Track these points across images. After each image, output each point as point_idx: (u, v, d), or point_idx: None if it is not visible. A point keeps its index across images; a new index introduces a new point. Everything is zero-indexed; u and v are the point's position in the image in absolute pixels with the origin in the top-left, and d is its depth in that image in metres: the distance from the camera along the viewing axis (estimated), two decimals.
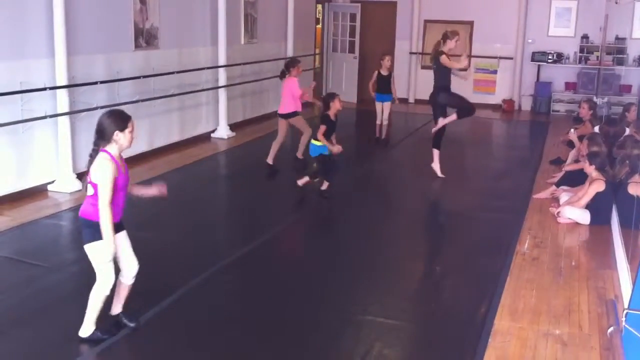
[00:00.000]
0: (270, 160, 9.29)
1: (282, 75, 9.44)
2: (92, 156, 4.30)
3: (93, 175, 4.25)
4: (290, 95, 9.24)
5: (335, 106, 7.91)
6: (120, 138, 4.30)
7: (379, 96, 11.33)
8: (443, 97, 8.81)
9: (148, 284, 5.47)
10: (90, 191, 4.31)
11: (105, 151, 4.30)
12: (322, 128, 7.82)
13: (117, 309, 4.68)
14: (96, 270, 4.41)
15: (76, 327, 4.70)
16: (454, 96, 8.86)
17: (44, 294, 5.14)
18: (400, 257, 6.48)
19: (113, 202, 4.27)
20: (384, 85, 11.27)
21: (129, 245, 4.60)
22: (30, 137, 7.65)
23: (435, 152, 9.10)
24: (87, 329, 4.49)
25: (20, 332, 4.65)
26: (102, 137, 4.30)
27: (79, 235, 6.84)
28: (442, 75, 8.75)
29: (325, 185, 8.04)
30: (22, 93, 7.33)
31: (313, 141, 8.06)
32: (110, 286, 4.44)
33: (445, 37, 8.73)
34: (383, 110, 11.35)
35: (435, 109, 8.97)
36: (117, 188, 4.30)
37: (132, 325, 4.66)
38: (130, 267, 4.59)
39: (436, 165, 9.09)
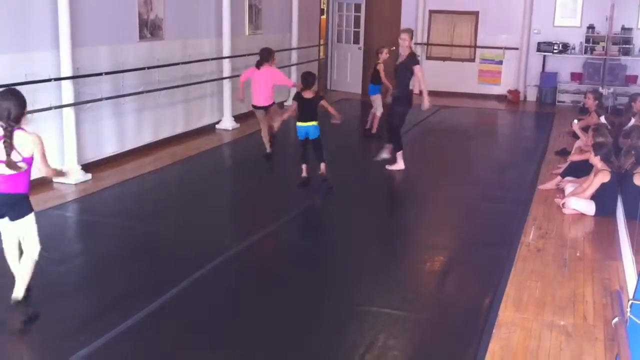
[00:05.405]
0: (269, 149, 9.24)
1: (259, 65, 9.07)
2: (8, 136, 4.42)
3: (27, 151, 4.47)
4: (271, 85, 9.05)
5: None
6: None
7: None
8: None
9: (151, 275, 5.51)
10: (24, 167, 4.47)
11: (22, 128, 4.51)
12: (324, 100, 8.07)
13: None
14: (33, 241, 4.63)
15: (81, 319, 4.73)
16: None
17: (48, 286, 5.14)
18: (404, 248, 6.49)
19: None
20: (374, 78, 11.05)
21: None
22: (35, 129, 7.54)
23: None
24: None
25: (24, 324, 4.64)
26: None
27: (83, 227, 6.95)
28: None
29: (323, 168, 7.95)
30: (27, 84, 7.33)
31: (299, 123, 7.95)
32: None
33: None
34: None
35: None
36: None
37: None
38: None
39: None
